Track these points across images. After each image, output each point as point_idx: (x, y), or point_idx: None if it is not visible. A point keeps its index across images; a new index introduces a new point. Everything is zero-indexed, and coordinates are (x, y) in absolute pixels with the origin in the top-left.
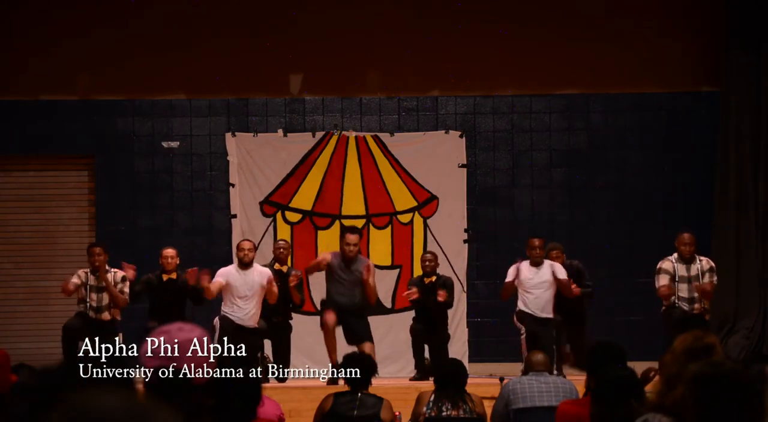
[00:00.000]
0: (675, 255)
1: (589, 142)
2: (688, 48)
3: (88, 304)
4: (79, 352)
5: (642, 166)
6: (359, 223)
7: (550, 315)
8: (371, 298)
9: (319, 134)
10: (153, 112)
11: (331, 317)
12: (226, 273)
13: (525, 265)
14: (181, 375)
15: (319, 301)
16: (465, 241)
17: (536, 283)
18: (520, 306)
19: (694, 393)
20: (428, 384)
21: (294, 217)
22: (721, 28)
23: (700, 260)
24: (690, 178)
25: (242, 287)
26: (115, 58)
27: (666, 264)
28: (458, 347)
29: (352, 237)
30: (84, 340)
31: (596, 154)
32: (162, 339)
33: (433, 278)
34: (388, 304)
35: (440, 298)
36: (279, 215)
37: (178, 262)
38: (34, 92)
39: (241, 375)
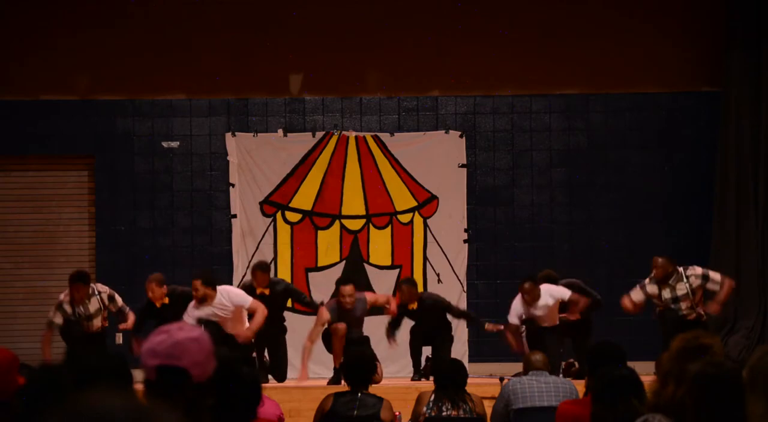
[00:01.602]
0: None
1: (589, 142)
2: (688, 48)
3: (76, 328)
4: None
5: (642, 166)
6: (359, 223)
7: (555, 324)
8: (392, 308)
9: (319, 134)
10: (153, 112)
11: (342, 325)
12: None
13: (521, 302)
14: (180, 375)
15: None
16: (465, 241)
17: (535, 312)
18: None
19: (694, 392)
20: (428, 384)
21: (294, 217)
22: (721, 28)
23: (688, 276)
24: (690, 178)
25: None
26: (115, 58)
27: (651, 288)
28: (458, 347)
29: (347, 289)
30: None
31: (596, 154)
32: (162, 338)
33: (415, 304)
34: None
35: (491, 329)
36: (279, 215)
37: (165, 291)
38: (34, 92)
39: (241, 375)
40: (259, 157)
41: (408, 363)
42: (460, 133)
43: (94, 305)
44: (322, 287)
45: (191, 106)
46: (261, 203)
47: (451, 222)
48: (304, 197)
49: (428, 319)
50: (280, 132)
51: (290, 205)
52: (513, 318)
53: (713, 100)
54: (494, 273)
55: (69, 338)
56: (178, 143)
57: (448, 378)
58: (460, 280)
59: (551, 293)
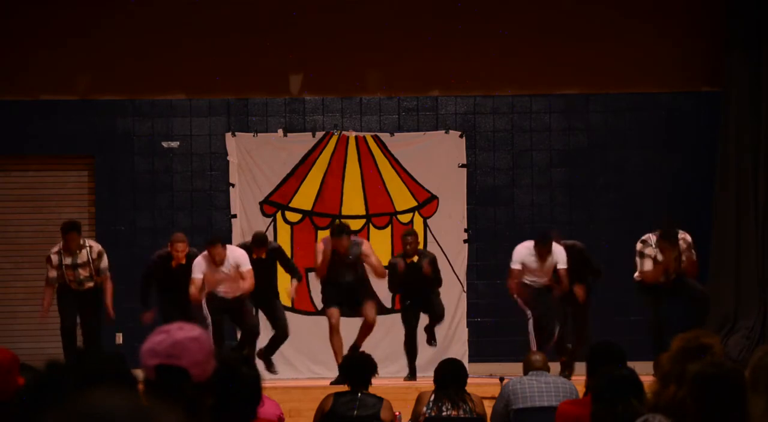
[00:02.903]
0: (652, 237)
1: (589, 142)
2: (688, 48)
3: (66, 282)
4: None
5: (642, 166)
6: (359, 223)
7: (549, 283)
8: (380, 274)
9: (319, 134)
10: (153, 112)
11: (333, 313)
12: (203, 269)
13: (532, 254)
14: (180, 374)
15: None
16: (465, 241)
17: (540, 268)
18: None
19: (695, 393)
20: (428, 384)
21: (294, 217)
22: (721, 28)
23: (679, 239)
24: (690, 177)
25: (216, 280)
26: (115, 58)
27: (648, 250)
28: (458, 347)
29: (344, 242)
30: (73, 308)
31: (596, 154)
32: (162, 337)
33: (415, 258)
34: (388, 304)
35: (426, 271)
36: (279, 215)
37: (187, 251)
38: (34, 92)
39: (241, 375)
40: (259, 157)
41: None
42: (460, 133)
43: (83, 257)
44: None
45: (191, 106)
46: (261, 203)
47: (451, 222)
48: (304, 197)
49: (421, 279)
50: (280, 132)
51: (290, 205)
52: (516, 264)
53: (713, 100)
54: (494, 273)
55: (63, 297)
56: (178, 143)
57: (448, 378)
58: (460, 280)
59: (557, 252)
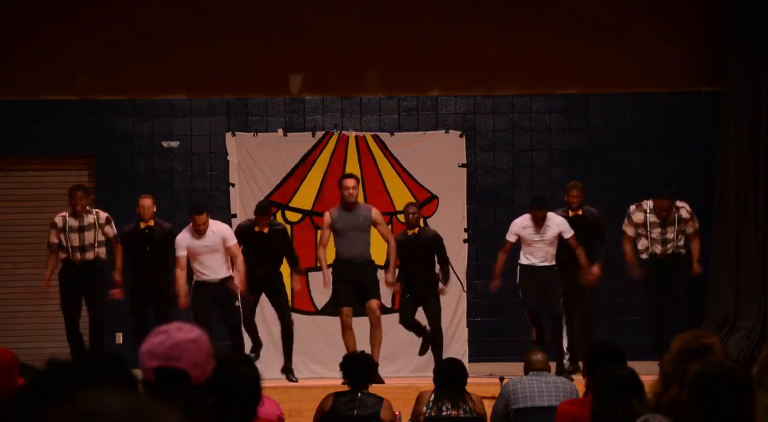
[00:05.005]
0: (651, 205)
1: (589, 142)
2: (688, 48)
3: (69, 247)
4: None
5: (642, 166)
6: None
7: (553, 263)
8: (392, 247)
9: (319, 134)
10: (153, 112)
11: (345, 311)
12: (185, 244)
13: (527, 225)
14: (180, 376)
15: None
16: (465, 241)
17: (539, 239)
18: (522, 259)
19: (696, 392)
20: (428, 384)
21: (294, 217)
22: (721, 28)
23: (678, 208)
24: (690, 178)
25: (198, 252)
26: (115, 58)
27: (637, 216)
28: (458, 347)
29: (350, 182)
30: (74, 287)
31: (596, 154)
32: (161, 339)
33: (416, 230)
34: (387, 304)
35: (442, 294)
36: (279, 215)
37: (155, 210)
38: (34, 92)
39: (241, 375)
40: (259, 157)
41: (408, 363)
42: (460, 132)
43: (88, 220)
44: (322, 287)
45: (191, 106)
46: None
47: (451, 222)
48: (304, 197)
49: (421, 255)
50: (280, 132)
51: (290, 204)
52: (510, 236)
53: (713, 100)
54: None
55: (65, 278)
56: (178, 143)
57: (448, 378)
58: (460, 280)
59: (557, 222)
